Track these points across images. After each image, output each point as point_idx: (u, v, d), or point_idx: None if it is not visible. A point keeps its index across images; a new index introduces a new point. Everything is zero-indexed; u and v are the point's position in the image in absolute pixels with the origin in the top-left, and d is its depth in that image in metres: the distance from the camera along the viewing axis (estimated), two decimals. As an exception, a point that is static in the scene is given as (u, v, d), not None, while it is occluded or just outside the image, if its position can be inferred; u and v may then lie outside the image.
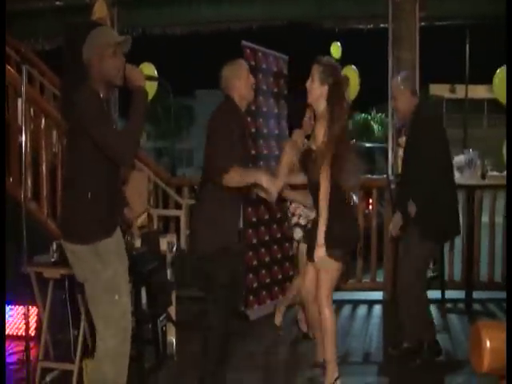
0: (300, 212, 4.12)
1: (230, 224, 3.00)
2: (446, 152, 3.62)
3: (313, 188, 3.15)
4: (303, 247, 3.95)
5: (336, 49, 8.90)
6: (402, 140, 5.65)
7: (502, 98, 6.31)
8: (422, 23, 5.77)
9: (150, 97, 7.25)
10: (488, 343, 1.73)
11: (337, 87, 3.10)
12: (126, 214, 2.88)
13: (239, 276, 3.16)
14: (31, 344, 3.37)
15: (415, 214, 3.51)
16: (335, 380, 3.12)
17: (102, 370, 2.57)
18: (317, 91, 3.12)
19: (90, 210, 2.50)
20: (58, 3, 6.73)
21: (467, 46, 20.71)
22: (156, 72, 6.95)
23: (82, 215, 2.51)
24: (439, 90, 30.08)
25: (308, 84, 3.17)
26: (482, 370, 1.78)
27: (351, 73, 7.77)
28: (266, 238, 4.93)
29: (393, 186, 5.13)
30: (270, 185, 2.84)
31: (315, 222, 3.18)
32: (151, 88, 7.16)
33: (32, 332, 3.70)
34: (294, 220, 4.14)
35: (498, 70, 6.18)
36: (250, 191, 3.16)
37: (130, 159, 2.61)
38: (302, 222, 4.10)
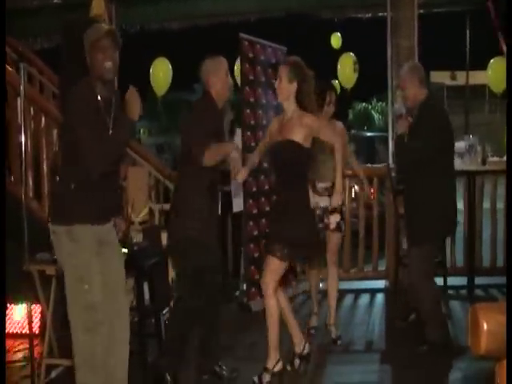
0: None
1: (199, 213, 3.13)
2: (449, 144, 3.57)
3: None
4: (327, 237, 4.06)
5: (336, 39, 8.88)
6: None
7: (496, 87, 6.31)
8: (421, 10, 5.75)
9: (162, 93, 7.25)
10: (485, 325, 1.74)
11: (305, 84, 3.19)
12: (118, 224, 2.81)
13: (212, 270, 3.21)
14: (35, 341, 3.41)
15: (408, 219, 3.53)
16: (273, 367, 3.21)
17: (78, 372, 2.58)
18: (286, 90, 3.20)
19: (72, 196, 2.54)
20: (55, 1, 6.73)
21: (467, 31, 20.56)
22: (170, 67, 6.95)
23: (64, 199, 2.57)
24: (440, 77, 29.89)
25: (276, 84, 3.26)
26: (480, 352, 1.79)
27: (348, 59, 7.75)
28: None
29: (393, 175, 5.13)
30: (235, 163, 3.10)
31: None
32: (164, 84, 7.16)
33: (36, 329, 3.73)
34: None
35: (491, 61, 6.17)
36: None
37: (96, 172, 2.48)
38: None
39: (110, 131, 2.55)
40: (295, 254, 3.20)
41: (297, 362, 3.35)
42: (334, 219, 3.95)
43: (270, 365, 3.21)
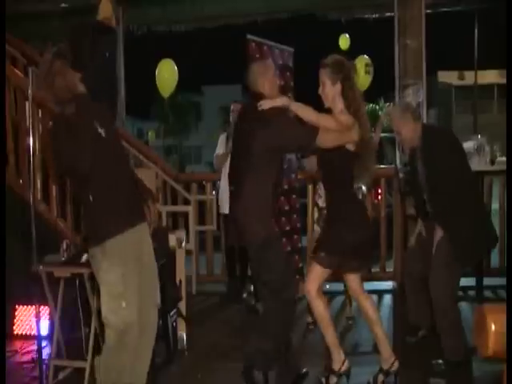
0: (320, 192, 4.20)
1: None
2: (465, 164, 3.48)
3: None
4: (317, 230, 4.14)
5: (344, 41, 8.86)
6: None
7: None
8: (428, 10, 5.74)
9: (168, 94, 7.29)
10: (493, 326, 1.72)
11: (348, 80, 3.10)
12: (146, 210, 2.71)
13: None
14: (43, 343, 3.42)
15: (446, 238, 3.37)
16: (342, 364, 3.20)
17: (99, 376, 2.58)
18: (331, 93, 3.11)
19: (93, 213, 2.52)
20: (63, 5, 6.78)
21: (475, 31, 20.44)
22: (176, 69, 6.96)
23: (88, 215, 2.54)
24: (448, 77, 29.77)
25: (320, 91, 3.16)
26: (487, 353, 1.77)
27: (361, 63, 7.70)
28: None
29: (401, 176, 5.11)
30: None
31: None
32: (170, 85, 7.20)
33: (44, 331, 3.75)
34: (316, 198, 4.23)
35: None
36: None
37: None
38: (320, 203, 4.17)
39: (103, 131, 2.50)
40: (341, 263, 3.16)
41: (333, 379, 3.23)
42: None
43: (335, 367, 3.19)
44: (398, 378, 3.24)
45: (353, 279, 3.28)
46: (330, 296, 4.77)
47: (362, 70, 7.55)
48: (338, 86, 3.07)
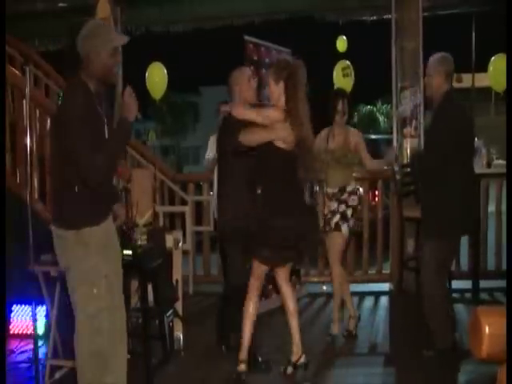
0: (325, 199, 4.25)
1: None
2: (467, 143, 3.52)
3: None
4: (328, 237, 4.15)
5: (342, 43, 8.87)
6: (407, 130, 5.65)
7: (497, 86, 6.26)
8: (425, 13, 5.75)
9: (159, 96, 7.34)
10: (487, 329, 1.73)
11: (291, 79, 3.17)
12: (116, 211, 2.86)
13: None
14: (40, 342, 3.42)
15: (425, 213, 3.50)
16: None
17: (80, 369, 2.58)
18: (275, 91, 3.25)
19: (77, 198, 2.52)
20: (61, 4, 6.77)
21: (473, 34, 20.47)
22: (166, 72, 7.02)
23: (69, 202, 2.54)
24: (446, 79, 29.81)
25: (266, 91, 3.43)
26: (481, 355, 1.78)
27: (339, 67, 7.77)
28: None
29: (398, 177, 5.12)
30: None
31: None
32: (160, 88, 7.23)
33: (40, 331, 3.75)
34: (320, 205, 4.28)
35: (492, 58, 6.12)
36: None
37: (97, 181, 2.47)
38: (325, 211, 4.19)
39: (106, 129, 2.55)
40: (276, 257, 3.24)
41: (289, 369, 3.37)
42: (334, 220, 4.09)
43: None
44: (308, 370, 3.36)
45: (282, 269, 3.38)
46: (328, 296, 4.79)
47: (340, 74, 7.64)
48: (281, 85, 3.20)
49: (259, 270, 3.27)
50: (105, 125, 2.57)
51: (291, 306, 3.37)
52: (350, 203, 4.10)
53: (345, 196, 4.12)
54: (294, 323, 3.38)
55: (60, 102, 2.64)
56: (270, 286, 4.72)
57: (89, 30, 2.56)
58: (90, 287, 2.54)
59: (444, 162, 3.38)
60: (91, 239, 2.54)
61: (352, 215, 4.07)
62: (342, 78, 7.60)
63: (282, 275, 3.40)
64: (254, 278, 3.29)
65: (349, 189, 4.13)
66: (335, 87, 7.77)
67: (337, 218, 4.07)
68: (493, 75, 6.15)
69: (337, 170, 4.08)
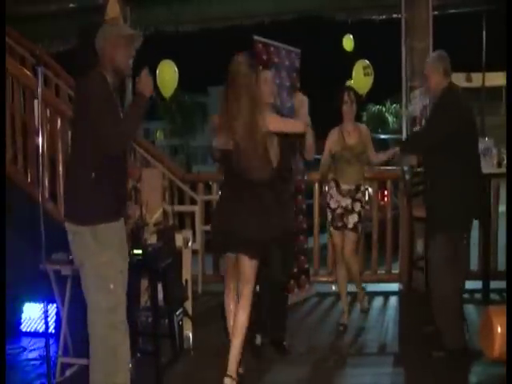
0: (332, 192, 4.28)
1: None
2: (466, 132, 3.51)
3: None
4: (333, 232, 4.26)
5: (348, 42, 8.84)
6: (417, 130, 5.64)
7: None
8: (436, 12, 5.72)
9: (169, 95, 7.36)
10: (499, 329, 1.72)
11: (228, 79, 3.05)
12: (129, 210, 2.93)
13: None
14: (51, 340, 3.44)
15: (429, 210, 3.50)
16: None
17: (95, 358, 2.60)
18: None
19: (92, 193, 2.56)
20: (71, 5, 6.81)
21: (484, 32, 20.34)
22: (176, 70, 7.03)
23: (84, 197, 2.58)
24: (455, 78, 29.17)
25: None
26: (493, 355, 1.77)
27: (360, 65, 7.73)
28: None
29: (407, 177, 5.11)
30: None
31: None
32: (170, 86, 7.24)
33: (51, 329, 3.78)
34: (327, 199, 4.31)
35: None
36: None
37: (118, 149, 2.58)
38: (332, 204, 4.26)
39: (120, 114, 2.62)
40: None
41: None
42: (352, 219, 4.15)
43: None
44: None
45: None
46: (353, 296, 4.80)
47: (361, 73, 7.60)
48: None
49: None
50: (119, 112, 2.63)
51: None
52: (363, 203, 4.18)
53: (359, 195, 4.17)
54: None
55: (78, 92, 2.71)
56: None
57: (105, 27, 2.72)
58: (107, 282, 2.56)
59: (444, 157, 3.40)
60: (107, 235, 2.57)
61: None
62: (363, 76, 7.57)
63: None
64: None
65: (362, 188, 4.22)
66: (348, 82, 7.75)
67: (355, 218, 4.13)
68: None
69: (355, 167, 4.14)
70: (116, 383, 2.61)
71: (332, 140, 4.21)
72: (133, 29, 6.23)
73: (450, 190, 3.45)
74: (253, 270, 3.03)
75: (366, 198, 4.28)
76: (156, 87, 7.53)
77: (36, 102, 3.07)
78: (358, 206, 4.15)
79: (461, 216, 3.50)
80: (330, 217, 4.29)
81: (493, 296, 4.92)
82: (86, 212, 2.58)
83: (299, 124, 3.10)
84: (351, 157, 4.11)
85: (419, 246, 5.27)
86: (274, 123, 3.01)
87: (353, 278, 4.39)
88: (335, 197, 4.22)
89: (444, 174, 3.45)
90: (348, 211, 4.15)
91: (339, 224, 4.17)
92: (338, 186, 4.20)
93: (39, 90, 3.32)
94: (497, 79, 27.34)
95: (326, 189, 4.46)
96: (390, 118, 29.27)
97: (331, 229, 4.31)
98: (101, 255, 2.55)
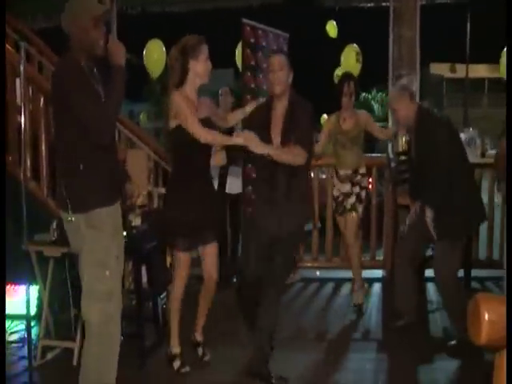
0: (333, 181, 4.43)
1: None
2: (460, 149, 3.58)
3: None
4: (339, 220, 4.36)
5: (332, 28, 8.80)
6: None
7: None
8: (423, 1, 5.72)
9: (157, 75, 7.24)
10: (486, 315, 1.74)
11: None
12: (128, 190, 2.87)
13: None
14: (32, 323, 3.40)
15: (438, 223, 3.50)
16: None
17: (89, 351, 2.56)
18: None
19: (84, 180, 2.50)
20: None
21: (468, 24, 20.46)
22: (164, 50, 6.91)
23: (76, 185, 2.51)
24: (439, 69, 29.85)
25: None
26: (480, 342, 1.79)
27: (351, 51, 7.69)
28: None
29: (393, 165, 5.12)
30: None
31: None
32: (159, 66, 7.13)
33: (33, 311, 3.72)
34: (332, 190, 4.43)
35: (505, 49, 6.09)
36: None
37: (107, 138, 2.49)
38: (334, 192, 4.38)
39: (103, 99, 2.51)
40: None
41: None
42: (350, 201, 4.26)
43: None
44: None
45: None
46: (337, 282, 4.86)
47: (353, 58, 7.57)
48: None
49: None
50: (100, 98, 2.51)
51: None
52: (363, 185, 4.23)
53: (358, 178, 4.24)
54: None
55: (53, 80, 2.60)
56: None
57: (69, 4, 2.52)
58: (102, 269, 2.51)
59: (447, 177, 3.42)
60: (101, 221, 2.51)
61: (366, 197, 4.25)
62: (355, 62, 7.55)
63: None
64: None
65: (361, 171, 4.23)
66: (337, 70, 7.71)
67: (353, 199, 4.22)
68: (504, 66, 6.13)
69: (350, 151, 4.19)
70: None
71: (329, 125, 4.29)
72: (119, 8, 6.16)
73: (460, 195, 3.46)
74: None
75: (367, 181, 4.37)
76: (143, 68, 7.41)
77: (18, 79, 2.99)
78: (356, 189, 4.24)
79: (471, 221, 3.60)
80: (334, 205, 4.41)
81: (473, 284, 4.99)
82: (77, 200, 2.51)
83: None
84: (346, 140, 4.17)
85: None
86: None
87: (353, 264, 4.44)
88: (336, 185, 4.34)
89: (449, 182, 3.44)
90: (347, 195, 4.24)
91: (340, 209, 4.27)
92: (337, 173, 4.33)
93: (22, 66, 3.23)
94: (480, 71, 27.59)
95: (324, 176, 4.54)
96: (376, 106, 29.35)
97: (337, 216, 4.41)
98: (96, 242, 2.50)
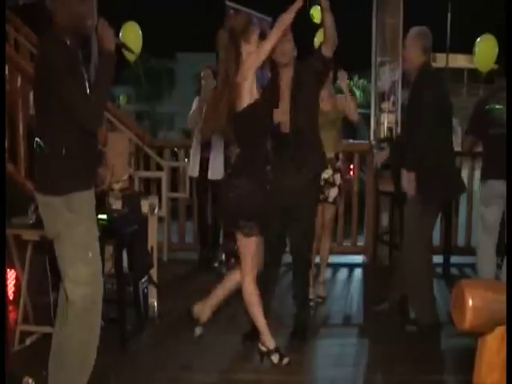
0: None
1: None
2: (447, 112, 3.55)
3: None
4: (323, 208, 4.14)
5: (316, 12, 8.74)
6: (385, 105, 5.65)
7: (482, 67, 6.30)
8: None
9: (134, 58, 7.12)
10: (470, 301, 1.75)
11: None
12: (101, 173, 2.80)
13: None
14: (10, 307, 3.33)
15: (416, 181, 3.47)
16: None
17: (73, 334, 2.51)
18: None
19: (64, 163, 2.43)
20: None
21: (449, 14, 20.55)
22: (140, 33, 6.79)
23: (56, 167, 2.44)
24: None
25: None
26: (464, 327, 1.81)
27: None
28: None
29: (375, 151, 5.13)
30: None
31: None
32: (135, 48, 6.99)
33: (10, 295, 3.65)
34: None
35: (478, 39, 6.14)
36: None
37: (96, 124, 2.46)
38: (337, 180, 4.17)
39: (87, 82, 2.43)
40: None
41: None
42: (333, 193, 4.09)
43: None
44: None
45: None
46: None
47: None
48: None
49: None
50: (86, 81, 2.45)
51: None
52: (343, 173, 4.13)
53: (339, 163, 4.13)
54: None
55: (38, 61, 2.50)
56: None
57: None
58: (85, 251, 2.47)
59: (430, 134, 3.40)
60: (81, 203, 2.47)
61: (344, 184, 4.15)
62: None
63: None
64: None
65: (340, 156, 4.16)
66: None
67: (335, 191, 4.07)
68: (478, 56, 6.16)
69: (330, 133, 3.97)
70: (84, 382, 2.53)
71: None
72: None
73: (437, 162, 3.46)
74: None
75: (346, 167, 4.28)
76: (120, 51, 7.26)
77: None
78: (338, 179, 4.08)
79: (445, 187, 3.53)
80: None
81: (453, 270, 5.05)
82: (57, 182, 2.44)
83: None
84: (325, 122, 4.00)
85: (384, 220, 5.35)
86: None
87: (323, 257, 4.33)
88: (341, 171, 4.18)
89: (431, 147, 3.42)
90: (329, 183, 4.06)
91: (321, 197, 3.96)
92: None
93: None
94: (460, 61, 27.78)
95: None
96: (358, 93, 29.40)
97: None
98: (78, 224, 2.45)
